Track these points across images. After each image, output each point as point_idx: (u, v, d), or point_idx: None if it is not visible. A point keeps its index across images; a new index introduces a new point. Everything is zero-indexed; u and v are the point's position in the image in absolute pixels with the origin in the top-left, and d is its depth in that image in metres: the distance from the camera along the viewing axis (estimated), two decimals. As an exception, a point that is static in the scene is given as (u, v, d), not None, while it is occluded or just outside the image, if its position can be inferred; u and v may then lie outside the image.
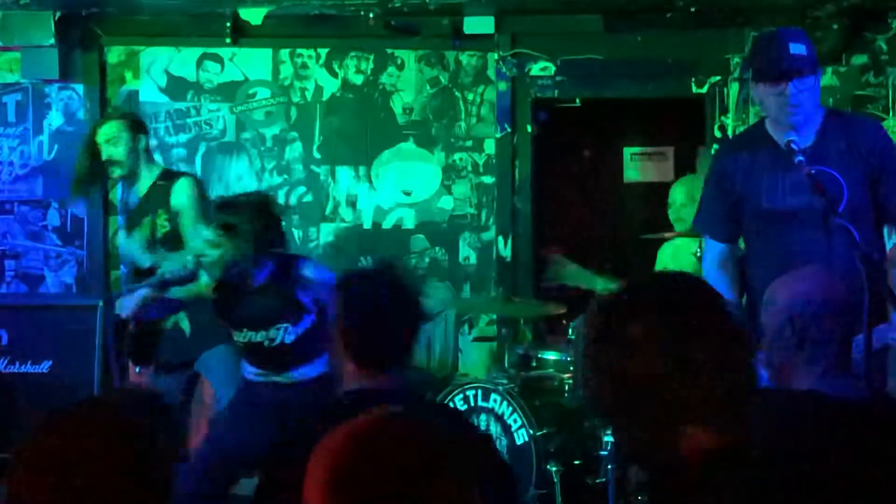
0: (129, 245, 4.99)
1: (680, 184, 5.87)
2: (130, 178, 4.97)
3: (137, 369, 4.95)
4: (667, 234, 5.81)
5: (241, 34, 6.06)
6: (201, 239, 4.30)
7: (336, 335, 2.82)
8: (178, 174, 5.12)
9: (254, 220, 4.14)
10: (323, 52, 6.16)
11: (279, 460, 2.72)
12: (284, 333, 4.18)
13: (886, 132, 3.94)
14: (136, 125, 4.99)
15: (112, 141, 4.88)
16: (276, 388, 4.28)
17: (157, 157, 6.09)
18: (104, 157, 4.89)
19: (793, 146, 3.60)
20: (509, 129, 6.11)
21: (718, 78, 6.05)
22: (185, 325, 4.88)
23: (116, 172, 4.94)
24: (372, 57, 6.15)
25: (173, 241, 4.81)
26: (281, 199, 6.14)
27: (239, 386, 4.44)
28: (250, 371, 4.36)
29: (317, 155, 6.17)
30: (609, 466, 4.73)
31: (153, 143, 6.11)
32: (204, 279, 4.41)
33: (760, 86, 3.70)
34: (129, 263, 5.13)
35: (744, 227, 3.92)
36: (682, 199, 5.66)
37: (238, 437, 4.28)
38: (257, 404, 4.30)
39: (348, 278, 3.00)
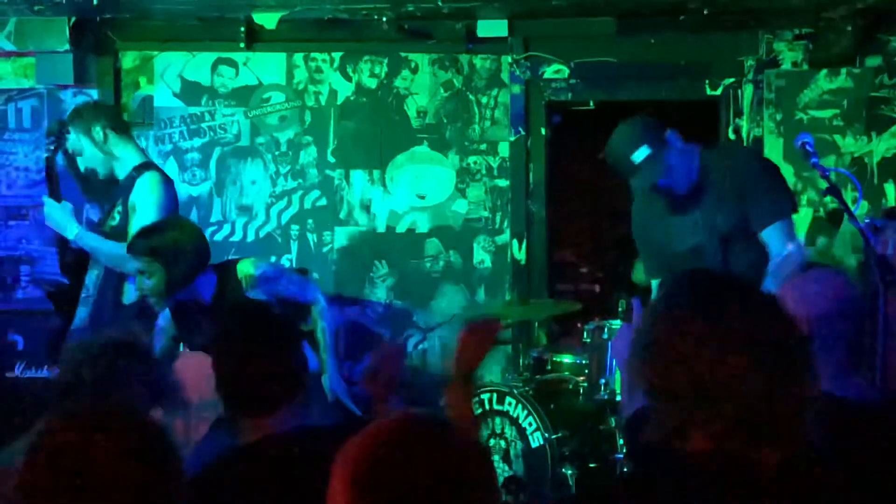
0: (57, 209, 4.52)
1: None
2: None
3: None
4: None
5: (256, 39, 6.08)
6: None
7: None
8: (148, 167, 4.68)
9: (179, 239, 4.10)
10: (337, 56, 6.17)
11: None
12: None
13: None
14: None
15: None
16: None
17: (171, 161, 6.13)
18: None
19: (807, 147, 3.59)
20: (523, 132, 6.11)
21: (732, 80, 6.04)
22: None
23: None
24: (386, 61, 6.16)
25: (116, 237, 4.52)
26: (295, 203, 6.16)
27: None
28: None
29: (331, 159, 6.18)
30: (624, 469, 4.73)
31: (167, 147, 6.16)
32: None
33: None
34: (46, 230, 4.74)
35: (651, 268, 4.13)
36: None
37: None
38: None
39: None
